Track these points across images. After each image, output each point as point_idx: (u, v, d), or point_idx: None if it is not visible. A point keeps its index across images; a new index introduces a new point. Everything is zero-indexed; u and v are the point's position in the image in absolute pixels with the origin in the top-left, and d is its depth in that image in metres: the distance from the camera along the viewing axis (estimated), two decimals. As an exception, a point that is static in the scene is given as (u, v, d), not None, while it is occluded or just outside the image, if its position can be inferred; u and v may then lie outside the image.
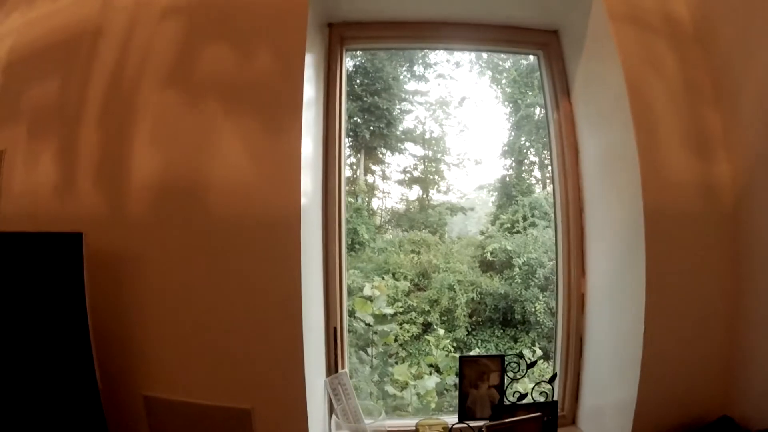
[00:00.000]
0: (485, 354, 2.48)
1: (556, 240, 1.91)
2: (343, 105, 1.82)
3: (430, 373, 3.57)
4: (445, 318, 5.79)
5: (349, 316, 2.79)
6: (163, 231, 1.47)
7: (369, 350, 2.69)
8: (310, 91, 1.58)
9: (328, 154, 1.80)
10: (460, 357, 1.70)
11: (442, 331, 4.02)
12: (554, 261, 1.91)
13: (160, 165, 1.49)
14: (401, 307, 5.86)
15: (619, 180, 1.59)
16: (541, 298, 5.72)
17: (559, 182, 1.86)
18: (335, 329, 1.79)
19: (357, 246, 8.99)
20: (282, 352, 1.42)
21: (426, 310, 5.86)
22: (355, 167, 11.88)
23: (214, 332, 1.45)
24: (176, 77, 1.53)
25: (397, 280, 6.41)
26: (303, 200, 1.43)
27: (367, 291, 2.70)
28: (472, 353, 3.67)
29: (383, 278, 6.32)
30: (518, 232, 7.58)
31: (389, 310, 2.85)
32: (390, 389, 2.57)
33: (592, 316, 1.77)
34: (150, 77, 1.53)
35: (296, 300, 1.40)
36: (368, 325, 2.65)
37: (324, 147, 1.79)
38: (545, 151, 11.51)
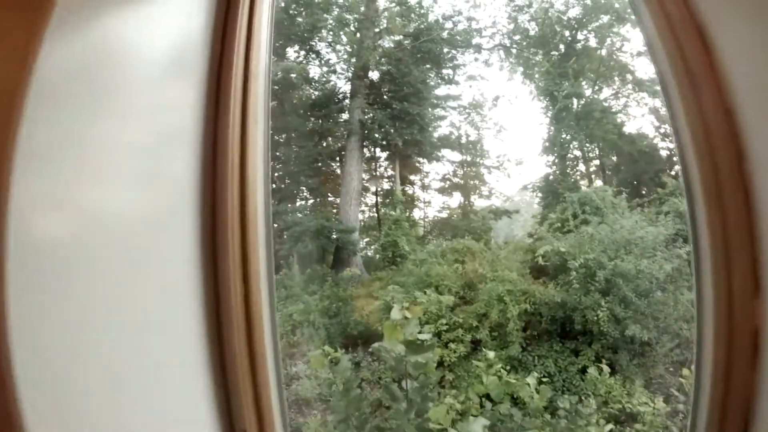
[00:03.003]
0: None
1: (693, 224, 0.90)
2: (264, 36, 0.86)
3: (482, 405, 3.12)
4: (495, 334, 5.27)
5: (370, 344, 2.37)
6: None
7: (404, 383, 2.31)
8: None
9: (218, 111, 0.91)
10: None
11: (492, 354, 3.53)
12: (691, 275, 0.98)
13: None
14: (446, 324, 5.41)
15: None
16: (603, 303, 5.09)
17: (683, 111, 0.90)
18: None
19: (398, 259, 8.67)
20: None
21: (474, 325, 5.36)
22: (393, 179, 11.69)
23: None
24: None
25: (440, 293, 5.95)
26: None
27: (396, 314, 2.33)
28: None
29: (425, 292, 5.90)
30: (570, 231, 7.00)
31: (425, 336, 2.45)
32: (428, 437, 2.16)
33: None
34: None
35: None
36: (400, 355, 2.27)
37: (212, 94, 0.91)
38: (588, 144, 10.68)
